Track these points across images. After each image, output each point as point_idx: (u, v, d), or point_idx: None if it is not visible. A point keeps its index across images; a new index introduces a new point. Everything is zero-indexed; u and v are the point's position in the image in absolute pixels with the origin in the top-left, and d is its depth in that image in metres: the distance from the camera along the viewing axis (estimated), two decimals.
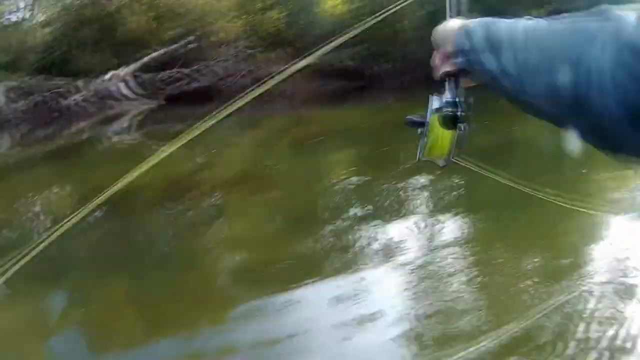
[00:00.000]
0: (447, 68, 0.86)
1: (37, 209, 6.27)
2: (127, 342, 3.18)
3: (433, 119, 0.89)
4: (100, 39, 14.80)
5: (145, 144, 9.82)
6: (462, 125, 0.89)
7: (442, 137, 0.89)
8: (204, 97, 14.39)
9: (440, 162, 0.94)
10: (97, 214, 5.11)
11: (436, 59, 0.89)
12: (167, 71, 14.41)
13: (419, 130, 0.92)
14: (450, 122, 0.88)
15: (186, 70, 14.48)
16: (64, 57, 14.21)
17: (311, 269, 3.97)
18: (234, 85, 14.83)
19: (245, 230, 5.12)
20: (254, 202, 5.74)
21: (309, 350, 3.05)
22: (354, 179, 6.34)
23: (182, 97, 14.23)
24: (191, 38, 14.62)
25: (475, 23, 0.75)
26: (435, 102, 0.90)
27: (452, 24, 0.83)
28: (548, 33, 0.63)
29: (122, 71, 13.69)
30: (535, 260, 3.85)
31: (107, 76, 13.67)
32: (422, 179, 5.82)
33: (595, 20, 0.56)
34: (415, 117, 0.93)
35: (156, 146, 9.32)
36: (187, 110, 13.17)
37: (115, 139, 10.60)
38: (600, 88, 0.51)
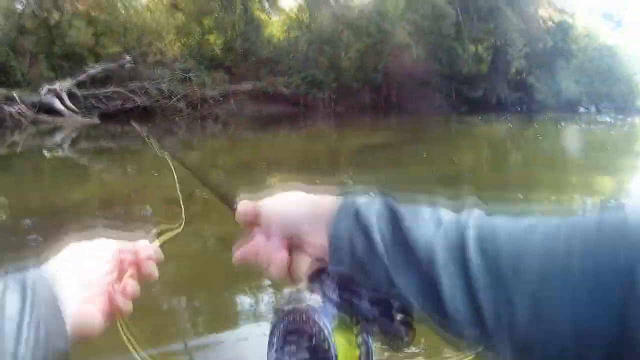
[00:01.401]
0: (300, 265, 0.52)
1: None
2: None
3: (338, 339, 0.47)
4: (39, 52, 15.11)
5: (76, 161, 10.21)
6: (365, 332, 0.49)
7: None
8: (138, 118, 14.86)
9: None
10: None
11: (259, 247, 0.54)
12: (103, 89, 14.84)
13: None
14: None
15: (121, 90, 14.94)
16: (1, 67, 14.38)
17: None
18: (168, 108, 15.49)
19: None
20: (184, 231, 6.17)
21: None
22: None
23: (116, 115, 14.66)
24: (128, 57, 15.16)
25: (372, 208, 0.45)
26: (325, 315, 0.47)
27: (301, 196, 0.52)
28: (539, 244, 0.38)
29: (58, 86, 13.99)
30: None
31: (43, 90, 13.97)
32: None
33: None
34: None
35: (87, 163, 9.67)
36: (120, 130, 13.63)
37: (47, 154, 10.93)
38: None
